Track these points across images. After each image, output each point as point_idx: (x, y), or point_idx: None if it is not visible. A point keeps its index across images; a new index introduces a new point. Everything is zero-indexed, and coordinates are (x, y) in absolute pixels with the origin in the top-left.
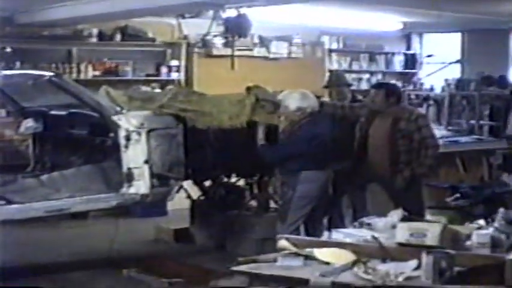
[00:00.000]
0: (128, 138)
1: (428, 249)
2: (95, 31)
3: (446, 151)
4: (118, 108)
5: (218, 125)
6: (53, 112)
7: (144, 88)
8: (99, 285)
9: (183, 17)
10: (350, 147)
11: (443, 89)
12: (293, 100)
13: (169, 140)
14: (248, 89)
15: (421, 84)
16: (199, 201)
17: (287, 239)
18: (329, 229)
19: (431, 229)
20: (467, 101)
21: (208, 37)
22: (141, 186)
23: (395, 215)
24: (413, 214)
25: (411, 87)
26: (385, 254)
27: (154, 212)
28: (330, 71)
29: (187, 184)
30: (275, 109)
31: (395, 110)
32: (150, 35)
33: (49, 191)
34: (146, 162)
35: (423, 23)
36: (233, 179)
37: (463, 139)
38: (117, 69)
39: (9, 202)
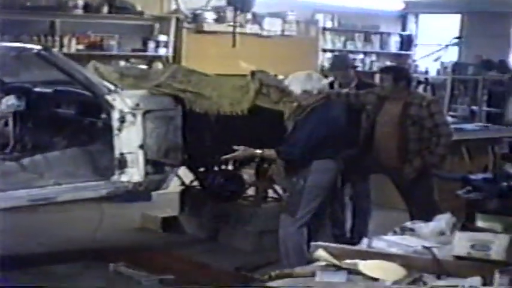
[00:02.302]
0: (122, 121)
1: (495, 265)
2: (80, 2)
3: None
4: (112, 87)
5: (217, 110)
6: (37, 89)
7: (122, 63)
8: (85, 282)
9: None
10: (356, 134)
11: (438, 72)
12: (298, 82)
13: (166, 123)
14: (252, 73)
15: (416, 66)
16: (190, 187)
17: (324, 247)
18: (334, 223)
19: (497, 241)
20: (465, 85)
21: (198, 11)
22: (134, 173)
23: (443, 219)
24: (423, 208)
25: None
26: (441, 268)
27: (138, 197)
28: (324, 50)
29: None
30: (281, 96)
31: (405, 95)
32: (139, 8)
33: (31, 176)
34: (141, 147)
35: (422, 2)
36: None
37: (469, 126)
38: (101, 43)
39: None
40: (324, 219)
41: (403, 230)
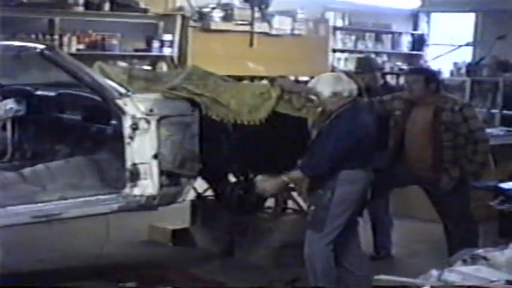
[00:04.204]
0: (134, 128)
1: None
2: None
3: None
4: (123, 90)
5: (234, 119)
6: (39, 92)
7: (123, 64)
8: None
9: None
10: (386, 142)
11: (451, 73)
12: (326, 85)
13: (182, 130)
14: (272, 80)
15: (428, 67)
16: (203, 198)
17: (387, 281)
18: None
19: None
20: (481, 87)
21: (205, 9)
22: (147, 186)
23: None
24: (459, 220)
25: None
26: None
27: None
28: (334, 50)
29: None
30: (304, 102)
31: (436, 100)
32: (142, 5)
33: (33, 189)
34: (155, 157)
35: (437, 1)
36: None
37: (494, 131)
38: (103, 43)
39: None
40: (353, 235)
41: (475, 259)
